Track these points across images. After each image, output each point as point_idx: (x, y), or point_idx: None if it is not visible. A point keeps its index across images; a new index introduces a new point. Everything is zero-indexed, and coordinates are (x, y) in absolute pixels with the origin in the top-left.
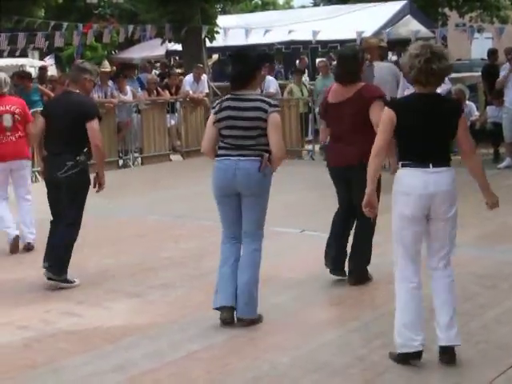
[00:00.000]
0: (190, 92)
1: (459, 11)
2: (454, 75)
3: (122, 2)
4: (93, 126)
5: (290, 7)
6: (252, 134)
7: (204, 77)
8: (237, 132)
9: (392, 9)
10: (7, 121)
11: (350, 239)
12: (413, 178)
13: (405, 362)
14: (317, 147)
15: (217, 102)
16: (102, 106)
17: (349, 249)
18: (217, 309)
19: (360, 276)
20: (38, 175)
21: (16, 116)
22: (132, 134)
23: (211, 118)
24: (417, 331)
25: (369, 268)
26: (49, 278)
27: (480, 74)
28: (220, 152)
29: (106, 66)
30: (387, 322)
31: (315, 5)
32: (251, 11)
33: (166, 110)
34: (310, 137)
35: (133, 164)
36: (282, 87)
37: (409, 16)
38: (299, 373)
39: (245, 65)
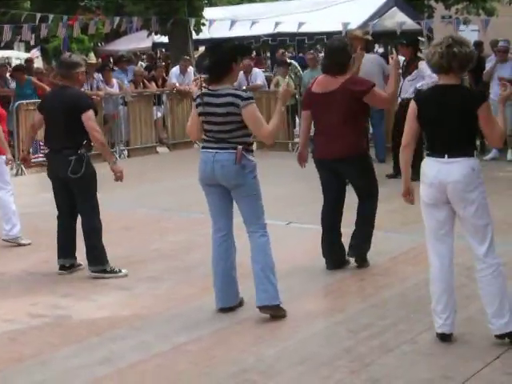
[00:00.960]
0: (177, 84)
1: (445, 3)
2: None
3: None
4: (88, 117)
5: None
6: (227, 129)
7: (190, 69)
8: (213, 127)
9: (378, 1)
10: None
11: (343, 231)
12: (429, 167)
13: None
14: None
15: (197, 94)
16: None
17: (344, 239)
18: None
19: (363, 261)
20: (23, 168)
21: None
22: (118, 126)
23: (193, 108)
24: (435, 312)
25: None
26: (93, 272)
27: None
28: (203, 144)
29: (92, 59)
30: (374, 314)
31: None
32: (238, 3)
33: (153, 102)
34: (298, 129)
35: (119, 156)
36: (268, 80)
37: (395, 8)
38: (286, 365)
39: (220, 57)
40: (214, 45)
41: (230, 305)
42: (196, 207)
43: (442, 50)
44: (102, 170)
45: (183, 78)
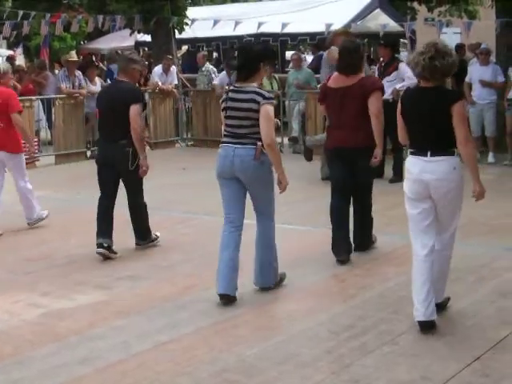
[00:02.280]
0: (159, 83)
1: (428, 6)
2: None
3: None
4: (133, 109)
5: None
6: (246, 124)
7: (173, 68)
8: (233, 121)
9: (361, 2)
10: None
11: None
12: (413, 165)
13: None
14: (285, 139)
15: (224, 92)
16: (70, 97)
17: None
18: (218, 295)
19: (367, 247)
20: None
21: None
22: None
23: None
24: (417, 302)
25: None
26: (137, 244)
27: None
28: (223, 139)
29: (73, 56)
30: (355, 315)
31: None
32: (222, 3)
33: None
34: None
35: None
36: None
37: (378, 10)
38: (267, 365)
39: (249, 58)
40: (244, 46)
41: (229, 293)
42: (177, 206)
43: (425, 63)
44: (76, 168)
45: (166, 77)
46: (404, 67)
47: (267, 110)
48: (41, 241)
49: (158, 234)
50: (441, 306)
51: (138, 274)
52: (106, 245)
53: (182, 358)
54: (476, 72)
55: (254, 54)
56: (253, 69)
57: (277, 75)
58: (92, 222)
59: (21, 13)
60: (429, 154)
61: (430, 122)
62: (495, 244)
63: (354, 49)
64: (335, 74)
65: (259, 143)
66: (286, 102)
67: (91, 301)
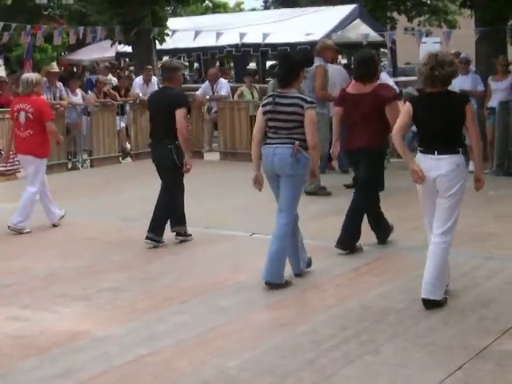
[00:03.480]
0: (140, 94)
1: (408, 15)
2: (402, 79)
3: (71, 3)
4: (179, 113)
5: (241, 10)
6: (289, 126)
7: (154, 79)
8: (276, 123)
9: (341, 12)
10: (21, 118)
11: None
12: (422, 162)
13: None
14: None
15: (264, 97)
16: (51, 108)
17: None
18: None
19: (348, 245)
20: None
21: (29, 115)
22: (81, 136)
23: (260, 110)
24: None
25: (319, 271)
26: (147, 238)
27: None
28: (266, 140)
29: (54, 68)
30: (337, 325)
31: (266, 8)
32: (202, 14)
33: (116, 112)
34: None
35: (82, 166)
36: (234, 90)
37: (358, 20)
38: (248, 376)
39: (291, 66)
40: (286, 56)
41: (268, 279)
42: None
43: (427, 73)
44: (57, 179)
45: (147, 88)
46: (385, 77)
47: (311, 114)
48: (20, 253)
49: (164, 241)
50: (438, 304)
51: (119, 285)
52: (182, 232)
53: (163, 371)
54: (456, 81)
55: (295, 63)
56: (294, 76)
57: (257, 85)
58: (73, 233)
59: (1, 24)
60: (436, 152)
61: (441, 124)
62: (476, 253)
63: (370, 58)
64: (353, 81)
65: (297, 142)
66: None
67: (72, 313)
